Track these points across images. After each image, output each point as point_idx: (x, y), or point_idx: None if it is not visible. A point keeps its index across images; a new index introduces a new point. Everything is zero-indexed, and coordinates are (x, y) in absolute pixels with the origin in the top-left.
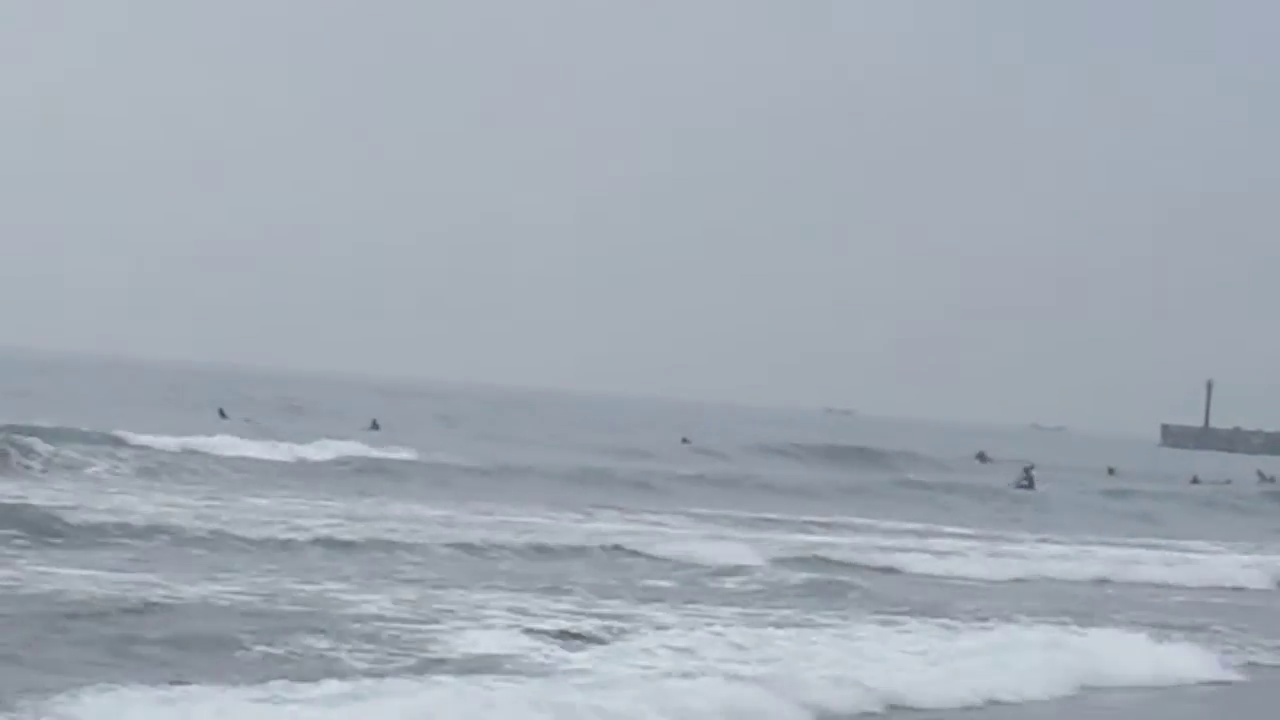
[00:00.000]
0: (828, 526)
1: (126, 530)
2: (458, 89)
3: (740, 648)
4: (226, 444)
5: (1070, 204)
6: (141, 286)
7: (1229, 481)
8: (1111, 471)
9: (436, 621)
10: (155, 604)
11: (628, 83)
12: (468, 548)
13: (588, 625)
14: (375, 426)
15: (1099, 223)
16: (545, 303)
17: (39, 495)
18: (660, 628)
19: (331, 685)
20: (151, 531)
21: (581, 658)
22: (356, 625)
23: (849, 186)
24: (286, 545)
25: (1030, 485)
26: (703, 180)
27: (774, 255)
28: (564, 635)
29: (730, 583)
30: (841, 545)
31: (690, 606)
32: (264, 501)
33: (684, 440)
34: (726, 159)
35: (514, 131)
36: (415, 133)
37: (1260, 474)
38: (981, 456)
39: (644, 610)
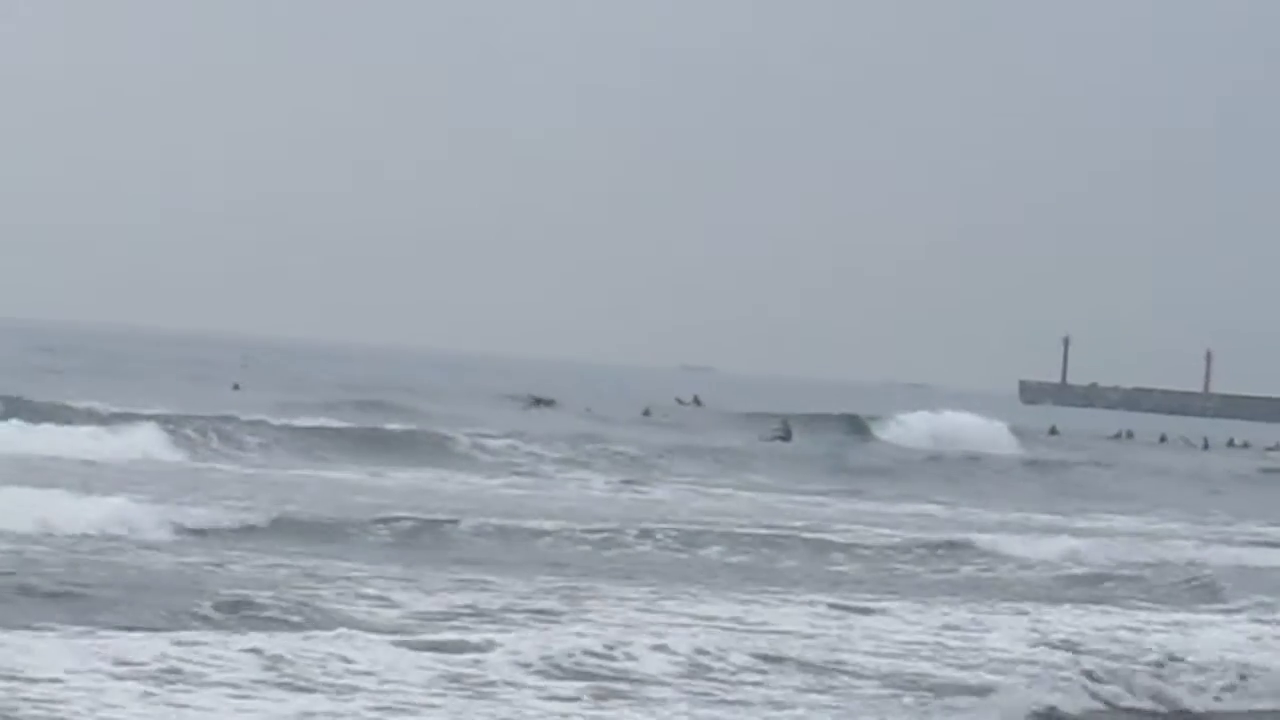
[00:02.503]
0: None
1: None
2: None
3: None
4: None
5: (932, 165)
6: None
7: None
8: None
9: None
10: None
11: (517, 36)
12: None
13: None
14: (236, 387)
15: (961, 183)
16: (401, 259)
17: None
18: None
19: None
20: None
21: None
22: None
23: (711, 148)
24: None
25: (787, 438)
26: (570, 141)
27: (629, 216)
28: None
29: None
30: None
31: None
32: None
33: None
34: (593, 120)
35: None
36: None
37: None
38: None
39: None
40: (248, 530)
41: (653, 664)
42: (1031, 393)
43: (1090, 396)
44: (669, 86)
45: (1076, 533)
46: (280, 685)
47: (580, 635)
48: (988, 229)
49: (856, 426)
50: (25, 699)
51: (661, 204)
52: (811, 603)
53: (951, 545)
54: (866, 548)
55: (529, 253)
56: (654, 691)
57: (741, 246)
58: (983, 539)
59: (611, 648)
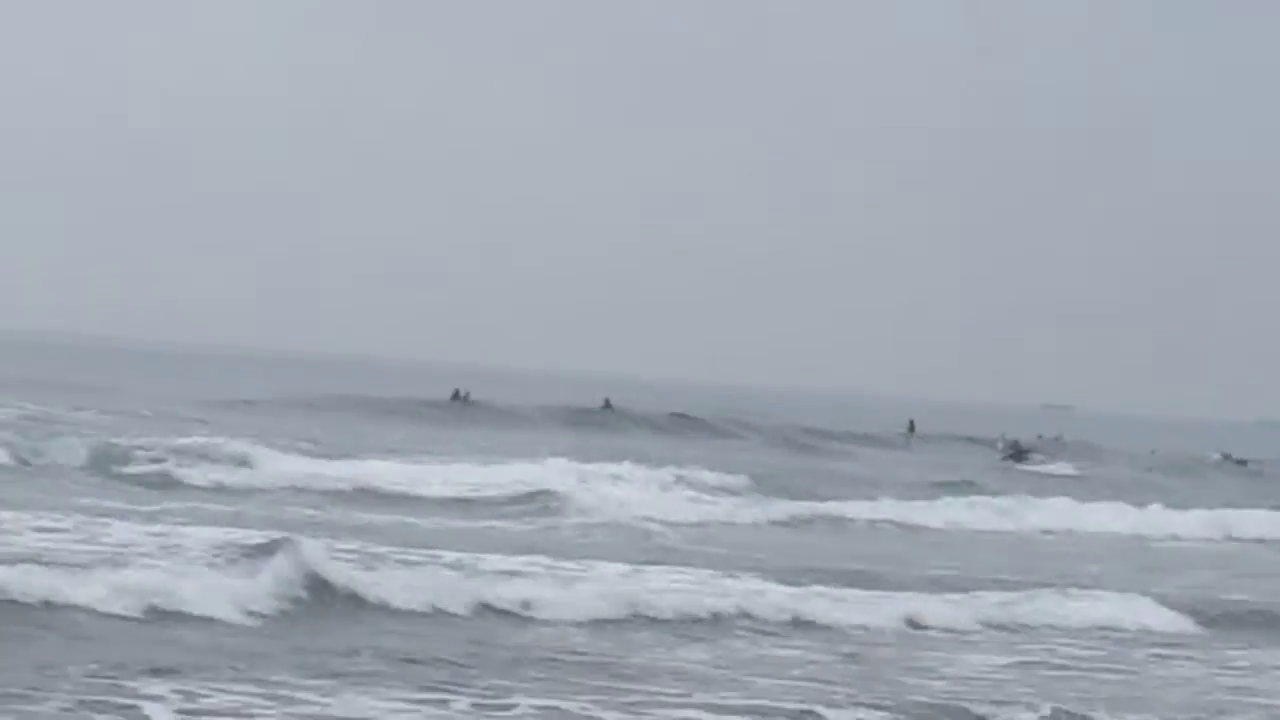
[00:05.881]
0: None
1: None
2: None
3: None
4: None
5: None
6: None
7: None
8: None
9: None
10: None
11: (845, 82)
12: None
13: None
14: (459, 396)
15: None
16: (754, 300)
17: None
18: None
19: None
20: None
21: None
22: None
23: (1075, 176)
24: None
25: (1018, 458)
26: (912, 177)
27: (992, 254)
28: None
29: None
30: None
31: None
32: None
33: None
34: (930, 158)
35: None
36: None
37: None
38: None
39: None
40: None
41: None
42: None
43: None
44: (987, 118)
45: None
46: None
47: None
48: None
49: None
50: None
51: (1019, 240)
52: None
53: None
54: None
55: (886, 293)
56: None
57: (1102, 283)
58: None
59: None
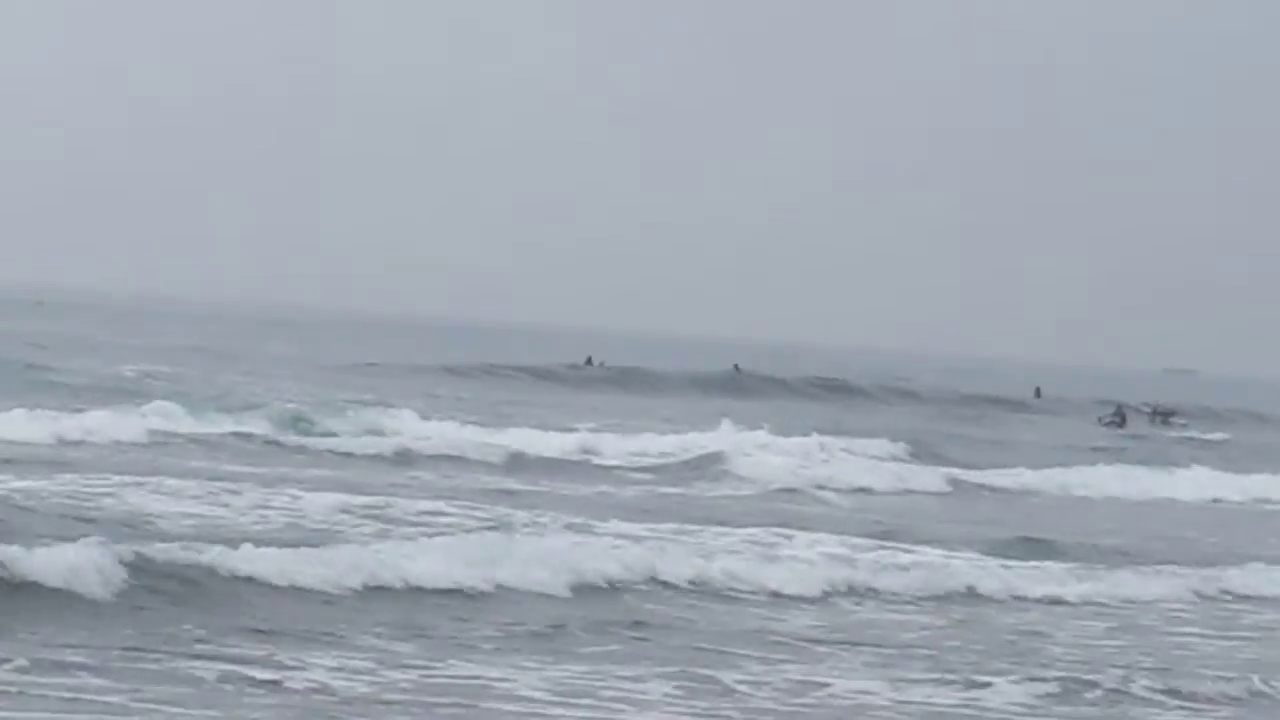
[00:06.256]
0: None
1: None
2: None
3: None
4: None
5: None
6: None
7: None
8: None
9: None
10: None
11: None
12: None
13: None
14: (591, 362)
15: None
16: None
17: None
18: None
19: None
20: None
21: None
22: None
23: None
24: None
25: (1121, 424)
26: (1042, 125)
27: (1102, 216)
28: None
29: None
30: None
31: None
32: None
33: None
34: (1046, 106)
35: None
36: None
37: None
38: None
39: None
40: None
41: None
42: None
43: None
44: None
45: None
46: None
47: None
48: None
49: None
50: None
51: (1143, 204)
52: None
53: None
54: None
55: (996, 255)
56: None
57: (1224, 240)
58: None
59: None
